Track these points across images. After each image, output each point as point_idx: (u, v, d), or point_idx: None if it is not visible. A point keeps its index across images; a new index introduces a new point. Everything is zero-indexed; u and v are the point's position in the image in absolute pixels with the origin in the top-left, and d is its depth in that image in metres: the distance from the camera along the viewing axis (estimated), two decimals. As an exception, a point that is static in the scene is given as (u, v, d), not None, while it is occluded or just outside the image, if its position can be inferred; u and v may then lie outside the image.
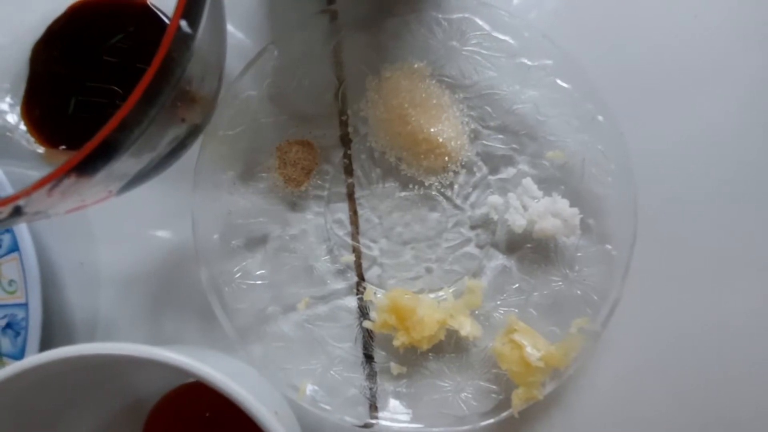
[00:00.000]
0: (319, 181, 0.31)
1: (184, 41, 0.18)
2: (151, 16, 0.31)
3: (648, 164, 0.31)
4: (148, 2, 0.31)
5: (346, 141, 0.31)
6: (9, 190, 0.28)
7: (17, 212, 0.18)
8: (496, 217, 0.31)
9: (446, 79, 0.31)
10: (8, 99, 0.29)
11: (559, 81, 0.30)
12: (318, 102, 0.31)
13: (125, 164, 0.19)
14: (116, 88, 0.31)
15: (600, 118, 0.30)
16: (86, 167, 0.17)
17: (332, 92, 0.31)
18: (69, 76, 0.31)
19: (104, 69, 0.31)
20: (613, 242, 0.30)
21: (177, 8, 0.18)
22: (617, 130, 0.30)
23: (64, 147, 0.30)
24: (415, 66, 0.31)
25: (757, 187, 0.32)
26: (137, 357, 0.20)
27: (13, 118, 0.28)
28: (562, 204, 0.29)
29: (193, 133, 0.27)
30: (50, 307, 0.30)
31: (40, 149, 0.28)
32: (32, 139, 0.28)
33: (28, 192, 0.17)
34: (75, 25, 0.31)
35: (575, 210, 0.29)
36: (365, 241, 0.31)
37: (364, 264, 0.31)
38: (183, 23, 0.18)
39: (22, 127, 0.28)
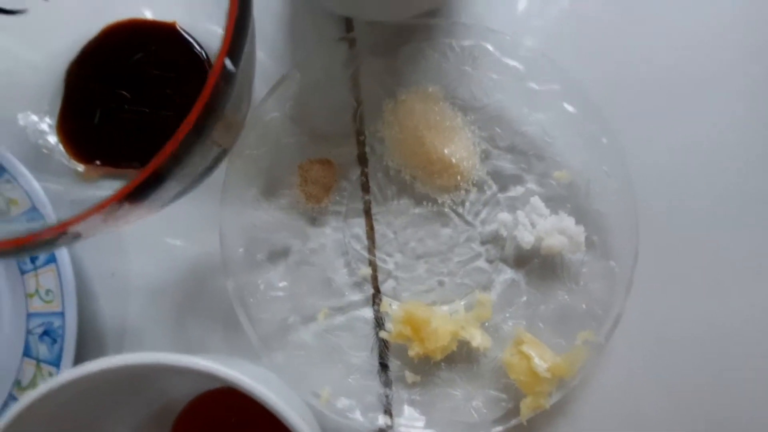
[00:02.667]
0: (337, 198, 0.33)
1: (227, 79, 0.20)
2: (179, 38, 0.33)
3: (650, 183, 0.33)
4: (177, 26, 0.33)
5: (363, 160, 0.33)
6: (48, 208, 0.29)
7: (71, 236, 0.20)
8: (505, 234, 0.32)
9: (459, 102, 0.33)
10: (47, 119, 0.31)
11: (565, 105, 0.32)
12: (337, 122, 0.33)
13: (169, 189, 0.21)
14: (147, 107, 0.33)
15: (604, 140, 0.32)
16: (138, 195, 0.19)
17: (351, 113, 0.33)
18: (102, 95, 0.33)
19: (136, 87, 0.33)
20: (616, 258, 0.32)
21: (222, 48, 0.19)
22: (620, 152, 0.32)
23: (98, 162, 0.32)
24: (430, 90, 0.32)
25: (757, 203, 0.34)
26: (181, 367, 0.21)
27: (53, 138, 0.30)
28: (568, 222, 0.31)
29: (223, 154, 0.28)
30: (83, 314, 0.31)
31: (80, 167, 0.30)
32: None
33: (84, 216, 0.19)
34: (108, 45, 0.33)
35: (580, 228, 0.31)
36: (381, 255, 0.33)
37: (380, 277, 0.33)
38: (227, 62, 0.19)
39: (62, 148, 0.30)
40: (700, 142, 0.34)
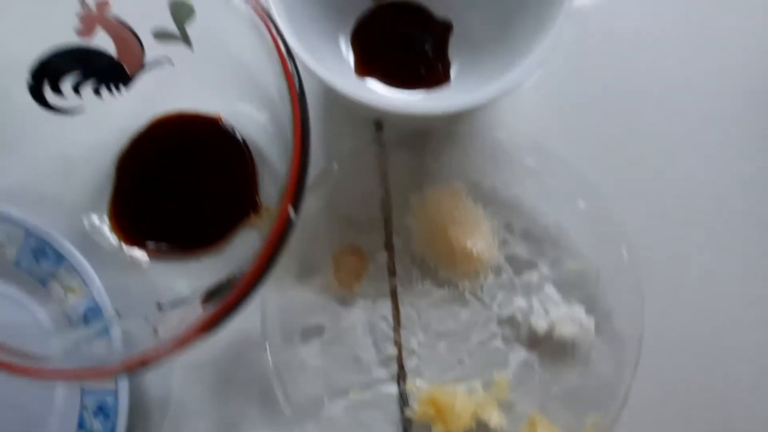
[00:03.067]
0: (366, 280, 0.36)
1: (289, 224, 0.22)
2: (223, 131, 0.36)
3: (657, 270, 0.35)
4: (221, 119, 0.36)
5: (390, 246, 0.36)
6: (104, 295, 0.32)
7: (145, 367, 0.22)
8: (520, 318, 0.35)
9: (480, 195, 0.36)
10: (106, 219, 0.33)
11: (578, 201, 0.35)
12: (368, 212, 0.36)
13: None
14: (193, 193, 0.36)
15: (613, 234, 0.35)
16: (213, 329, 0.22)
17: (380, 204, 0.36)
18: (150, 182, 0.36)
19: (182, 175, 0.36)
20: (623, 342, 0.34)
21: (285, 199, 0.22)
22: (629, 246, 0.34)
23: (149, 245, 0.35)
24: (454, 185, 0.35)
25: (761, 283, 0.37)
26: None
27: (114, 239, 0.33)
28: (579, 312, 0.34)
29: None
30: (131, 386, 0.34)
31: (141, 258, 0.33)
32: (140, 256, 0.33)
33: (163, 353, 0.22)
34: (156, 136, 0.36)
35: (591, 318, 0.34)
36: (405, 334, 0.36)
37: (404, 355, 0.36)
38: (291, 212, 0.22)
39: (125, 248, 0.33)
40: (706, 238, 0.37)
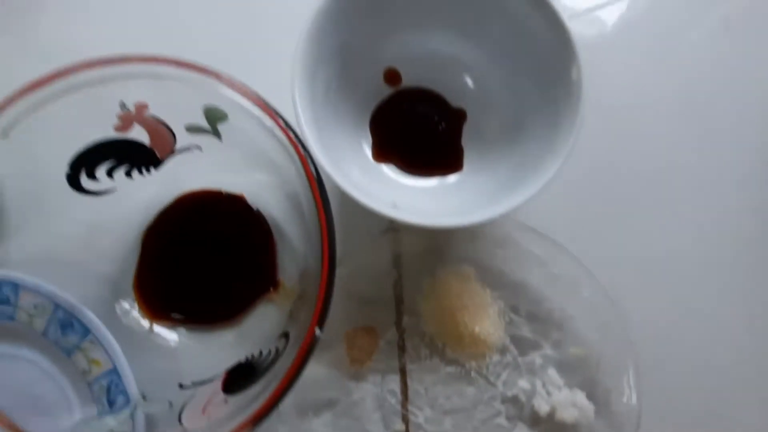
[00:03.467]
0: (377, 356, 0.37)
1: (315, 341, 0.24)
2: (246, 208, 0.38)
3: (655, 362, 0.37)
4: (244, 197, 0.38)
5: (400, 325, 0.38)
6: (126, 368, 0.34)
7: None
8: (524, 398, 0.37)
9: (488, 279, 0.37)
10: (136, 306, 0.35)
11: (582, 290, 0.37)
12: (381, 291, 0.37)
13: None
14: (216, 267, 0.37)
15: (614, 323, 0.36)
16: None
17: (393, 285, 0.38)
18: (175, 256, 0.37)
19: (207, 250, 0.38)
20: (622, 426, 0.36)
21: (312, 320, 0.24)
22: (627, 336, 0.36)
23: (173, 317, 0.36)
24: (464, 270, 0.37)
25: (757, 374, 0.39)
26: None
27: (146, 323, 0.34)
28: (580, 397, 0.35)
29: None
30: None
31: (172, 338, 0.34)
32: (168, 335, 0.34)
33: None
34: (182, 212, 0.38)
35: (591, 405, 0.35)
36: (413, 409, 0.37)
37: (411, 430, 0.37)
38: (317, 331, 0.24)
39: (156, 329, 0.34)
40: (705, 324, 0.39)
